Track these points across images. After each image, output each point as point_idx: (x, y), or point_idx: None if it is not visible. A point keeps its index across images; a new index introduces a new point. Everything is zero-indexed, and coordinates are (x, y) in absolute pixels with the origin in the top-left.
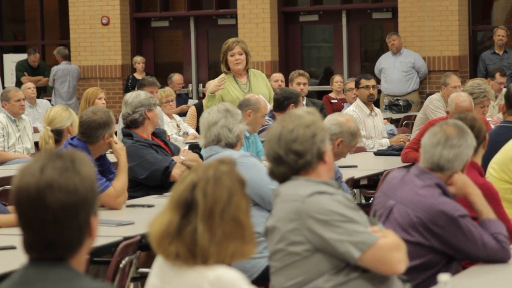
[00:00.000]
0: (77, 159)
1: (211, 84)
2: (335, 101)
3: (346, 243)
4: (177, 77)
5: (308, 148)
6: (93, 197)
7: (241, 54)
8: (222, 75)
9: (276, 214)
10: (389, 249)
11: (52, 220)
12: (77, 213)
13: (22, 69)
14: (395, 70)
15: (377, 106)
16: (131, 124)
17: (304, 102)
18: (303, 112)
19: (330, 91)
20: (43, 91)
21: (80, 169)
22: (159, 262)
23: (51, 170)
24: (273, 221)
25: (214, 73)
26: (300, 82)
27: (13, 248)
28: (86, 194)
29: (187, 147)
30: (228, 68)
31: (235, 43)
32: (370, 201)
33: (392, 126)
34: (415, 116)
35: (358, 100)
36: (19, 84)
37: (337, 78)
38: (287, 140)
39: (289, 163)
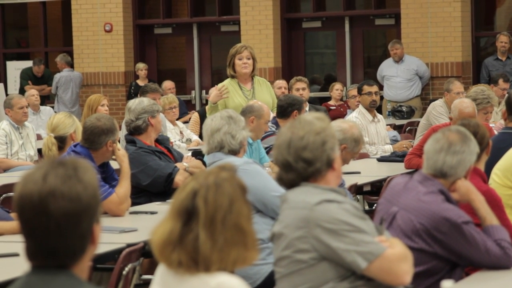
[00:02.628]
0: (79, 166)
1: (212, 94)
2: (334, 107)
3: (353, 253)
4: (166, 84)
5: (318, 156)
6: (96, 204)
7: (249, 59)
8: (222, 84)
9: (283, 220)
10: (396, 260)
11: (55, 228)
12: (80, 221)
13: (27, 77)
14: (398, 78)
15: (380, 112)
16: (134, 131)
17: (307, 109)
18: (313, 118)
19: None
20: (47, 99)
21: (82, 177)
22: (161, 270)
23: (53, 177)
24: (280, 227)
25: (217, 80)
26: (299, 88)
27: (16, 255)
28: (89, 201)
29: (190, 153)
30: (235, 72)
31: (243, 47)
32: (374, 208)
33: (395, 132)
34: (418, 122)
35: (360, 107)
36: (22, 91)
37: (337, 86)
38: (297, 147)
39: (298, 170)
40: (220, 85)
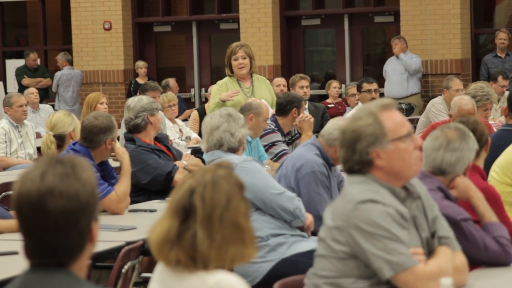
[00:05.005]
0: (77, 164)
1: (225, 93)
2: (332, 105)
3: (381, 260)
4: (173, 83)
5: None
6: (94, 202)
7: (244, 58)
8: (222, 81)
9: (334, 206)
10: (425, 277)
11: (53, 226)
12: (78, 219)
13: (22, 73)
14: (394, 72)
15: None
16: (134, 129)
17: (307, 106)
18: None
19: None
20: (46, 97)
21: (80, 175)
22: (160, 268)
23: (51, 176)
24: (330, 211)
25: (216, 78)
26: (303, 86)
27: (15, 253)
28: (87, 199)
29: (189, 151)
30: (232, 72)
31: (238, 47)
32: None
33: None
34: (418, 119)
35: (360, 104)
36: (21, 89)
37: (334, 84)
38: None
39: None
40: (237, 89)
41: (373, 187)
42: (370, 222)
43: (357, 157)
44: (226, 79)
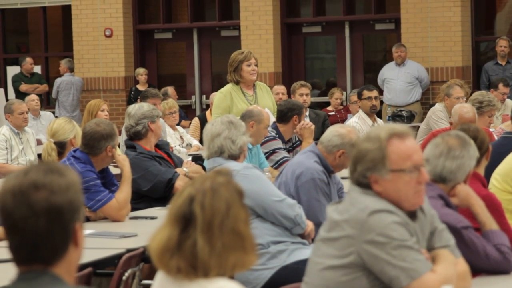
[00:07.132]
0: (61, 166)
1: None
2: (333, 113)
3: (398, 269)
4: (171, 91)
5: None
6: (79, 202)
7: (256, 65)
8: (223, 88)
9: (341, 211)
10: (435, 285)
11: (36, 219)
12: (62, 214)
13: (18, 79)
14: (399, 81)
15: (380, 117)
16: (134, 136)
17: (307, 113)
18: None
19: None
20: (46, 103)
21: (64, 173)
22: (160, 276)
23: (35, 172)
24: (340, 218)
25: (217, 85)
26: (303, 93)
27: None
28: (71, 196)
29: (190, 158)
30: (240, 77)
31: (250, 53)
32: None
33: None
34: (419, 127)
35: (360, 111)
36: (19, 96)
37: (337, 95)
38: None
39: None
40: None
41: (383, 201)
42: (385, 232)
43: (356, 176)
44: (229, 86)
